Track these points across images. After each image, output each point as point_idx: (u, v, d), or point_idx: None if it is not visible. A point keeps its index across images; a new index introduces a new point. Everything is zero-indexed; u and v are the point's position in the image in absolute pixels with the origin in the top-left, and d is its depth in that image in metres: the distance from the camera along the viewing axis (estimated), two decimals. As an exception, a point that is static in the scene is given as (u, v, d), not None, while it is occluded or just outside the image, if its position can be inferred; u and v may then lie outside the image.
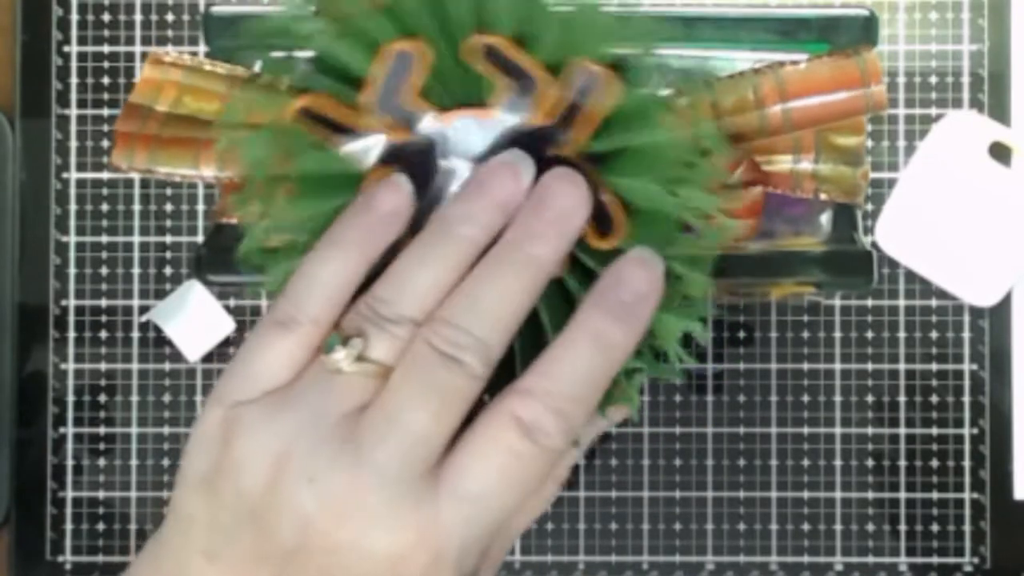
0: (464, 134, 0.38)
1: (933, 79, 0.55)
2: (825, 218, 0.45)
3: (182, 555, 0.36)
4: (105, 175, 0.55)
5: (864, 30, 0.43)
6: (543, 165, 0.37)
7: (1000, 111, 0.54)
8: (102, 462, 0.55)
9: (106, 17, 0.56)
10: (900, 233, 0.54)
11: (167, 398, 0.55)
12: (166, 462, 0.56)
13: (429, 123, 0.38)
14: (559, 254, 0.36)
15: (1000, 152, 0.53)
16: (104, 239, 0.55)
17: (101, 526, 0.55)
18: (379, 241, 0.37)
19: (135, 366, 0.55)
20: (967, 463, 0.54)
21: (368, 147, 0.39)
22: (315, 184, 0.39)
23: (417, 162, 0.38)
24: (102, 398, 0.55)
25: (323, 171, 0.39)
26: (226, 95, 0.43)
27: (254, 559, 0.35)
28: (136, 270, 0.55)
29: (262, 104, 0.39)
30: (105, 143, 0.55)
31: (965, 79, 0.55)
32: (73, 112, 0.56)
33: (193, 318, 0.55)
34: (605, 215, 0.38)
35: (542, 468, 0.35)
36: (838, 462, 0.54)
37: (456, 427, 0.35)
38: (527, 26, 0.38)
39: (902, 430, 0.54)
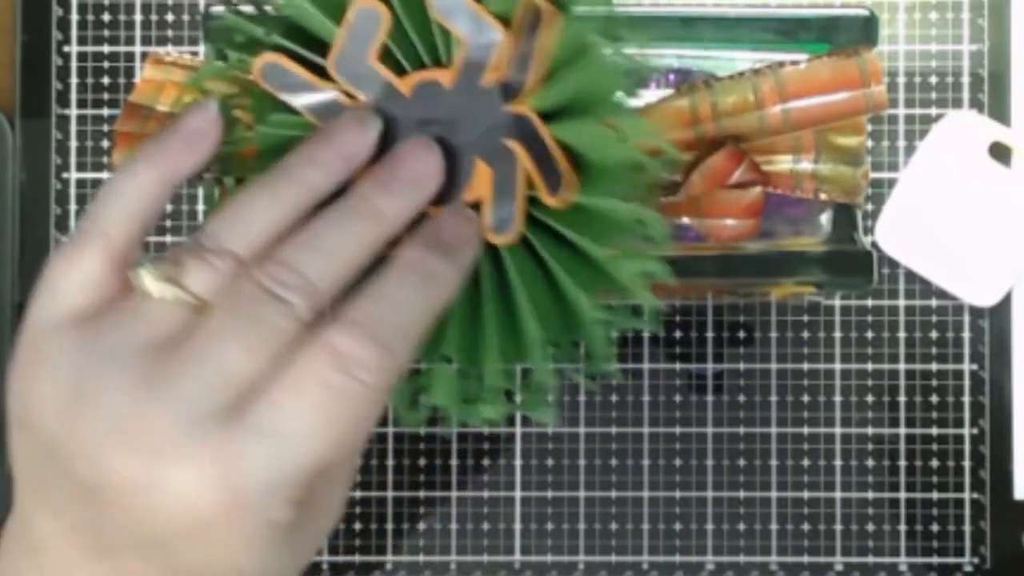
0: (423, 97, 0.38)
1: (933, 79, 0.55)
2: (825, 218, 0.45)
3: (19, 500, 0.34)
4: (105, 175, 0.55)
5: (864, 30, 0.43)
6: (500, 123, 0.37)
7: (1000, 111, 0.54)
8: (102, 462, 0.55)
9: (106, 17, 0.56)
10: (900, 233, 0.54)
11: (167, 398, 0.55)
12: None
13: (386, 86, 0.38)
14: (403, 213, 0.36)
15: (1000, 152, 0.53)
16: (104, 239, 0.55)
17: (101, 526, 0.55)
18: (181, 160, 0.36)
19: (135, 366, 0.55)
20: (967, 463, 0.54)
21: (325, 104, 0.39)
22: (280, 146, 0.38)
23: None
24: (102, 398, 0.55)
25: (284, 134, 0.39)
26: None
27: (68, 499, 0.33)
28: (136, 270, 0.55)
29: (232, 66, 0.39)
30: (105, 143, 0.55)
31: (965, 79, 0.55)
32: (73, 112, 0.56)
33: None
34: (554, 171, 0.38)
35: (360, 405, 0.33)
36: (838, 462, 0.54)
37: (268, 368, 0.32)
38: None
39: (902, 430, 0.54)
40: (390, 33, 0.38)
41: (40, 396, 0.33)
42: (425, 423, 0.38)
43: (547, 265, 0.38)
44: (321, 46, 0.38)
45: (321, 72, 0.38)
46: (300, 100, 0.38)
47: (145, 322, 0.33)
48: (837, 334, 0.55)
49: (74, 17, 0.56)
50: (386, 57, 0.38)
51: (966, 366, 0.54)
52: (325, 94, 0.38)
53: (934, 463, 0.54)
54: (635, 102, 0.44)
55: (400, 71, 0.38)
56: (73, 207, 0.55)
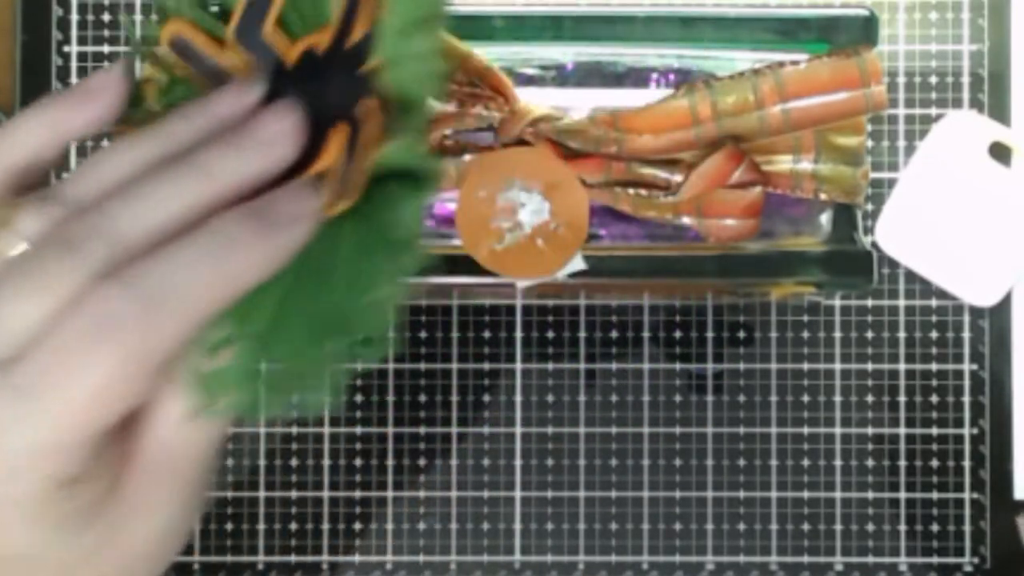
0: (304, 68, 0.37)
1: (933, 79, 0.55)
2: (825, 218, 0.45)
3: None
4: (105, 175, 0.55)
5: (864, 30, 0.43)
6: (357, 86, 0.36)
7: (1000, 111, 0.54)
8: (102, 462, 0.55)
9: (106, 17, 0.56)
10: (900, 233, 0.54)
11: (167, 398, 0.55)
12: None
13: (276, 59, 0.37)
14: (240, 173, 0.33)
15: (1000, 152, 0.53)
16: (104, 239, 0.55)
17: (101, 526, 0.55)
18: (73, 115, 0.35)
19: (135, 366, 0.55)
20: (967, 463, 0.54)
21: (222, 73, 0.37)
22: None
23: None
24: (102, 398, 0.55)
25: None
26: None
27: None
28: (136, 270, 0.55)
29: (147, 29, 0.38)
30: (105, 143, 0.55)
31: (965, 79, 0.55)
32: (73, 112, 0.56)
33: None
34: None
35: (121, 368, 0.30)
36: (838, 462, 0.54)
37: (48, 320, 0.30)
38: None
39: (902, 430, 0.54)
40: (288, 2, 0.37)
41: None
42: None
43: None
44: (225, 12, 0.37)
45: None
46: (203, 72, 0.37)
47: None
48: (837, 334, 0.55)
49: (74, 17, 0.56)
50: (286, 27, 0.37)
51: (966, 366, 0.54)
52: (223, 63, 0.37)
53: (934, 463, 0.54)
54: (635, 102, 0.44)
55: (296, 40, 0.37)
56: (73, 207, 0.55)
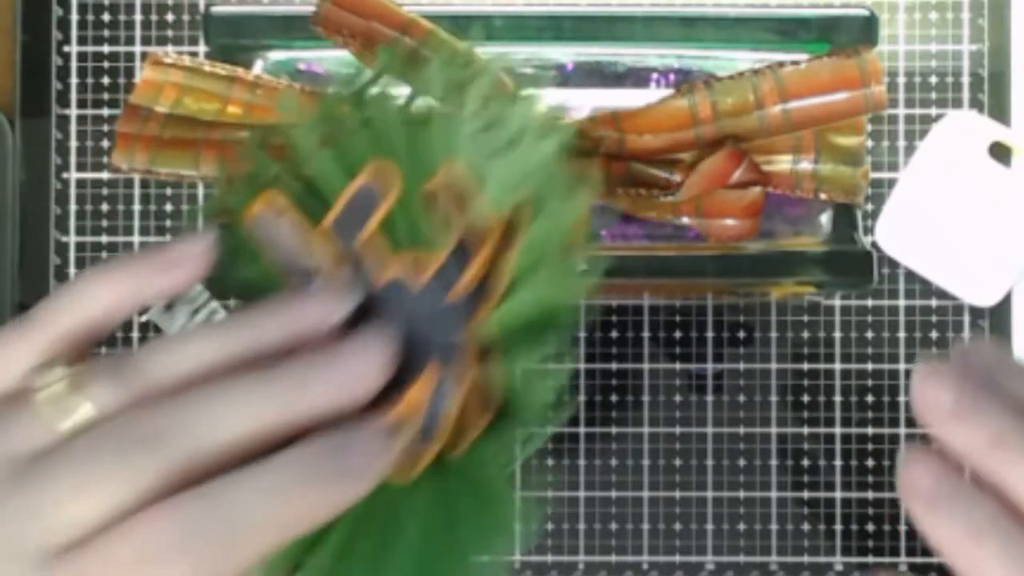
0: (389, 297, 0.35)
1: (933, 79, 0.55)
2: (825, 218, 0.45)
3: None
4: (105, 175, 0.55)
5: (864, 30, 0.43)
6: (455, 340, 0.34)
7: (1000, 111, 0.54)
8: (102, 462, 0.55)
9: (106, 17, 0.56)
10: (900, 233, 0.54)
11: (167, 398, 0.55)
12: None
13: (364, 275, 0.35)
14: (322, 407, 0.32)
15: (1000, 152, 0.53)
16: (104, 239, 0.55)
17: (101, 526, 0.55)
18: (153, 280, 0.34)
19: (135, 366, 0.55)
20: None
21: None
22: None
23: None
24: (102, 398, 0.55)
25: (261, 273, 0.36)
26: (226, 96, 0.43)
27: None
28: (136, 270, 0.55)
29: (243, 186, 0.36)
30: (105, 143, 0.55)
31: (965, 79, 0.55)
32: (73, 112, 0.56)
33: (194, 319, 0.55)
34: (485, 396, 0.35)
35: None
36: (838, 462, 0.54)
37: (112, 517, 0.29)
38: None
39: (902, 430, 0.54)
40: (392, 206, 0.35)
41: None
42: None
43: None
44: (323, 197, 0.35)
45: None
46: (283, 260, 0.36)
47: (18, 429, 0.31)
48: (837, 334, 0.55)
49: (74, 17, 0.56)
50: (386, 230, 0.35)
51: (966, 366, 0.54)
52: (306, 257, 0.35)
53: (934, 463, 0.54)
54: (635, 102, 0.44)
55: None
56: (73, 207, 0.55)
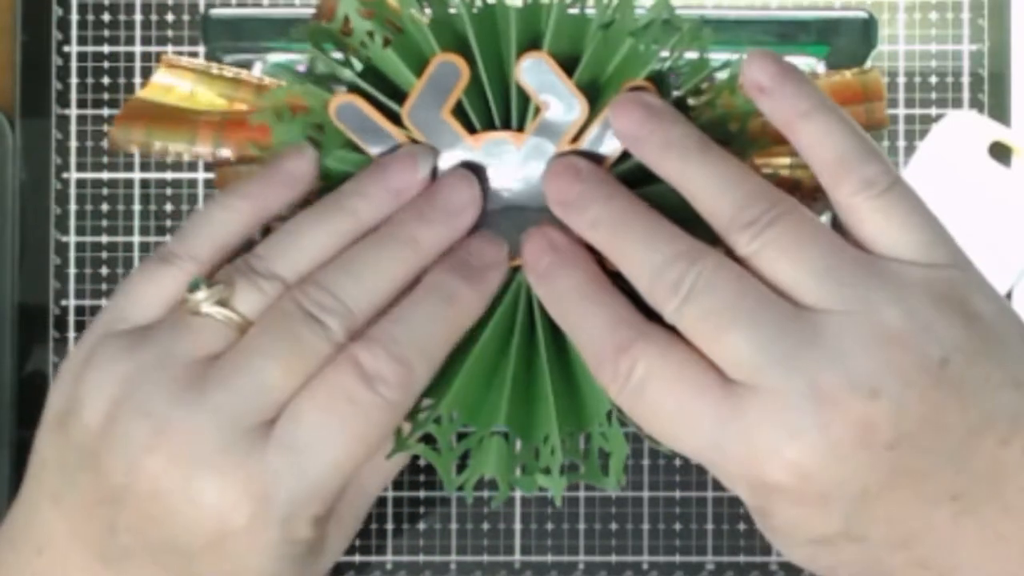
0: (491, 156, 0.38)
1: (933, 79, 0.55)
2: (825, 219, 0.45)
3: (33, 499, 0.35)
4: (105, 175, 0.55)
5: (863, 32, 0.43)
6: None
7: (1000, 111, 0.54)
8: (103, 462, 0.55)
9: (106, 17, 0.56)
10: (900, 233, 0.54)
11: (167, 398, 0.55)
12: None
13: (456, 141, 0.38)
14: (439, 242, 0.37)
15: (1000, 152, 0.53)
16: (104, 239, 0.55)
17: (102, 526, 0.55)
18: (275, 197, 0.38)
19: (135, 366, 0.55)
20: (967, 463, 0.54)
21: (392, 149, 0.39)
22: (341, 180, 0.39)
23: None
24: (102, 398, 0.55)
25: (343, 171, 0.39)
26: (232, 97, 0.43)
27: (92, 503, 0.34)
28: (136, 270, 0.55)
29: (305, 93, 0.39)
30: (105, 143, 0.55)
31: (965, 79, 0.55)
32: (73, 112, 0.56)
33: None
34: None
35: (381, 420, 0.34)
36: (838, 462, 0.54)
37: (302, 385, 0.34)
38: (573, 45, 0.38)
39: (902, 430, 0.54)
40: (466, 90, 0.38)
41: (87, 398, 0.35)
42: (473, 488, 0.39)
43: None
44: (398, 93, 0.39)
45: (394, 118, 0.38)
46: (369, 142, 0.39)
47: (193, 337, 0.35)
48: (837, 334, 0.54)
49: (74, 17, 0.56)
50: (458, 113, 0.38)
51: (966, 366, 0.54)
52: (394, 141, 0.39)
53: (934, 463, 0.54)
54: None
55: (470, 128, 0.39)
56: (73, 207, 0.55)
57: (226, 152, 0.42)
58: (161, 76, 0.43)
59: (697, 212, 0.35)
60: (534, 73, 0.37)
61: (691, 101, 0.39)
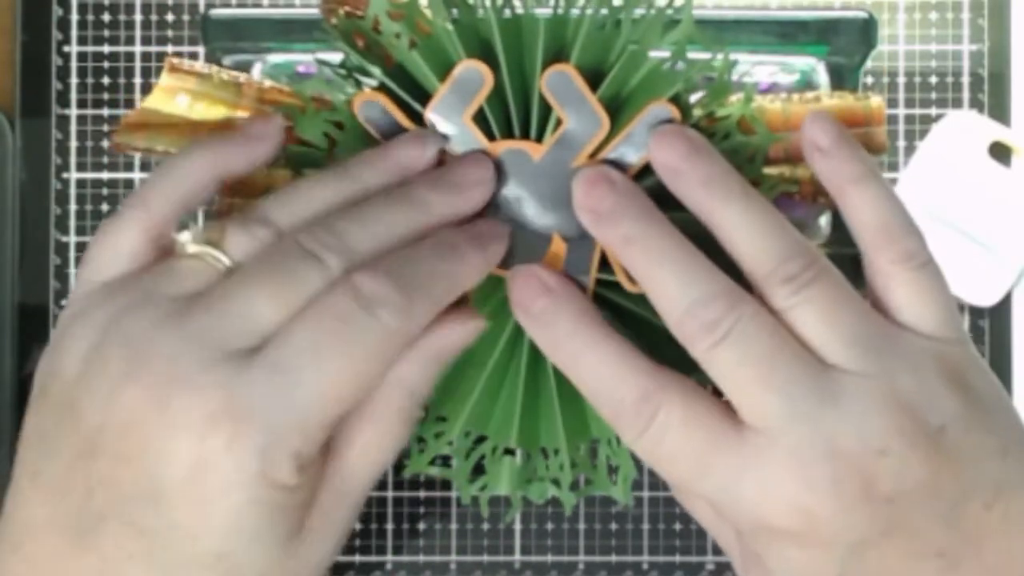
0: (509, 164, 0.38)
1: (933, 79, 0.55)
2: (824, 221, 0.45)
3: (15, 489, 0.34)
4: (105, 175, 0.55)
5: (863, 32, 0.43)
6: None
7: (1000, 111, 0.54)
8: (103, 462, 0.55)
9: (106, 17, 0.56)
10: (900, 233, 0.54)
11: (167, 398, 0.55)
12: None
13: (475, 147, 0.38)
14: (447, 210, 0.37)
15: (1000, 152, 0.53)
16: (104, 239, 0.55)
17: (102, 526, 0.55)
18: (235, 154, 0.37)
19: (135, 366, 0.55)
20: (967, 463, 0.54)
21: None
22: None
23: None
24: (102, 398, 0.55)
25: None
26: (235, 103, 0.43)
27: (68, 464, 0.33)
28: (136, 270, 0.55)
29: (331, 88, 0.40)
30: (105, 143, 0.55)
31: (965, 79, 0.55)
32: (73, 112, 0.56)
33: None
34: None
35: (375, 348, 0.33)
36: (838, 462, 0.54)
37: (288, 316, 0.33)
38: (598, 60, 0.38)
39: (902, 430, 0.54)
40: (488, 97, 0.38)
41: (65, 351, 0.34)
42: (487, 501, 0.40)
43: None
44: (421, 94, 0.39)
45: (416, 119, 0.39)
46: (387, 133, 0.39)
47: (177, 276, 0.34)
48: (837, 334, 0.54)
49: (74, 17, 0.56)
50: (478, 120, 0.38)
51: (966, 366, 0.54)
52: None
53: (934, 463, 0.54)
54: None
55: (489, 135, 0.39)
56: (73, 207, 0.55)
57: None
58: (167, 80, 0.43)
59: (727, 253, 0.36)
60: (559, 85, 0.37)
61: (702, 114, 0.39)
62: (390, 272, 0.34)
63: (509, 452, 0.40)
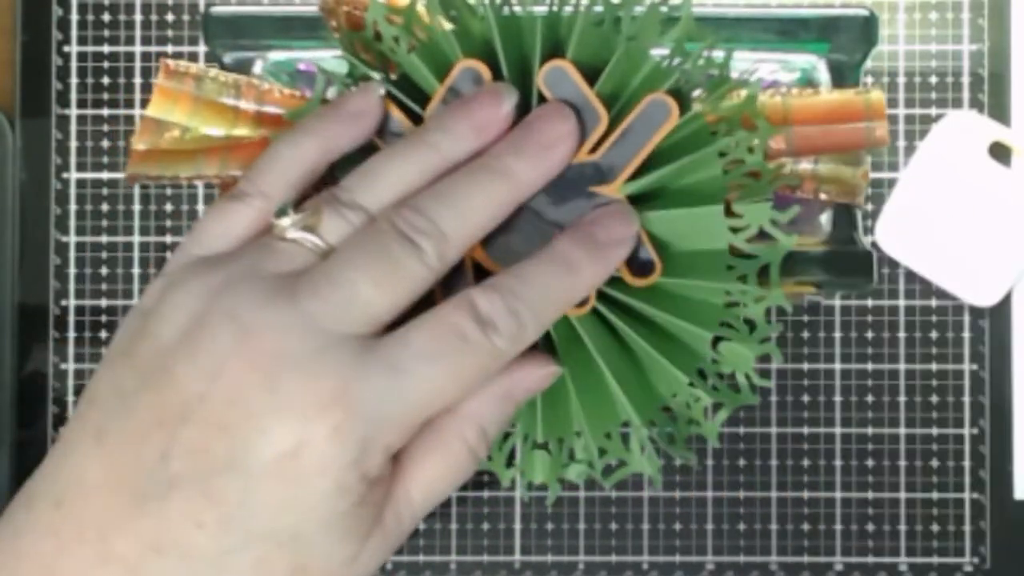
0: None
1: (933, 79, 0.55)
2: (825, 218, 0.45)
3: (70, 445, 0.34)
4: (105, 175, 0.55)
5: (863, 30, 0.43)
6: (587, 201, 0.38)
7: (1000, 111, 0.54)
8: (102, 462, 0.55)
9: (106, 17, 0.56)
10: (900, 233, 0.54)
11: (167, 398, 0.55)
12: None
13: None
14: (536, 176, 0.36)
15: (1000, 152, 0.53)
16: (104, 239, 0.55)
17: (101, 526, 0.55)
18: (341, 134, 0.37)
19: (135, 366, 0.55)
20: (967, 463, 0.54)
21: None
22: None
23: None
24: (102, 398, 0.55)
25: None
26: (235, 107, 0.43)
27: (147, 428, 0.32)
28: (136, 270, 0.55)
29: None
30: (105, 143, 0.55)
31: (965, 79, 0.55)
32: (73, 112, 0.56)
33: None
34: (642, 260, 0.38)
35: (483, 366, 0.34)
36: (838, 462, 0.54)
37: (400, 306, 0.34)
38: (595, 56, 0.38)
39: (902, 430, 0.54)
40: None
41: (164, 317, 0.34)
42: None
43: (622, 340, 0.39)
44: (422, 96, 0.39)
45: (417, 120, 0.39)
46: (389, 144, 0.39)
47: (278, 255, 0.34)
48: (837, 334, 0.55)
49: (74, 17, 0.56)
50: None
51: (966, 366, 0.54)
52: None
53: (934, 463, 0.54)
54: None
55: None
56: (73, 207, 0.55)
57: (235, 171, 0.42)
58: (164, 83, 0.43)
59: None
60: (555, 80, 0.37)
61: (703, 109, 0.39)
62: (506, 295, 0.34)
63: (541, 446, 0.41)
